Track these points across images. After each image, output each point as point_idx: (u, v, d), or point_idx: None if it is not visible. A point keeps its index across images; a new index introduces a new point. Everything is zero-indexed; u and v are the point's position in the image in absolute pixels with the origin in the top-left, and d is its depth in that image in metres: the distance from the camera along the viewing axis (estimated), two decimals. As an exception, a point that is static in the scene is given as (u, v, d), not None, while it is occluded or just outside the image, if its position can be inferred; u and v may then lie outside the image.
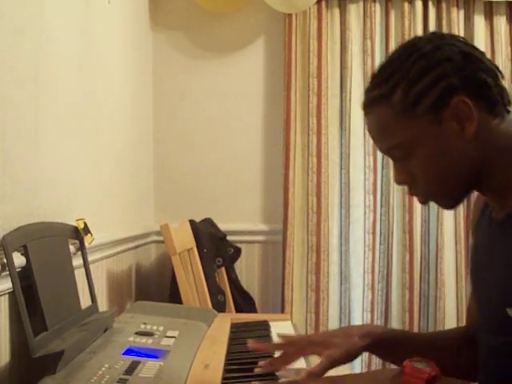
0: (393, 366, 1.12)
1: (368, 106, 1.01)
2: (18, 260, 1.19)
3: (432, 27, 2.85)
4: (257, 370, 1.18)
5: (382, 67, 1.01)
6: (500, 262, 0.95)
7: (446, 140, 0.95)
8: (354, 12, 2.87)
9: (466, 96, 0.93)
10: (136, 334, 1.38)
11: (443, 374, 1.00)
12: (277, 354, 1.22)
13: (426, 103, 0.94)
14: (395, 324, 2.85)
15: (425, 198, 1.01)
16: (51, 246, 1.35)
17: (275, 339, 1.47)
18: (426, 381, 0.90)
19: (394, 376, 0.93)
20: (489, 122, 0.95)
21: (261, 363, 1.19)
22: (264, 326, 1.65)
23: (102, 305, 1.91)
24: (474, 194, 1.06)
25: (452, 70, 0.93)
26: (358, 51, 2.88)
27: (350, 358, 1.14)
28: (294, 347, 1.19)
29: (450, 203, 1.02)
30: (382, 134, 1.00)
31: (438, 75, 0.94)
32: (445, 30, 2.83)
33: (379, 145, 1.02)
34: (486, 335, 1.02)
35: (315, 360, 1.17)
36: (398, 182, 1.03)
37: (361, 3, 2.87)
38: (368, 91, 1.01)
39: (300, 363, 1.22)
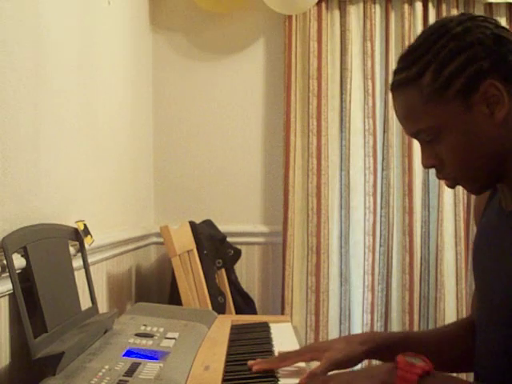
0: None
1: (396, 88, 0.99)
2: (18, 261, 1.19)
3: (432, 29, 2.85)
4: (254, 368, 1.18)
5: (411, 49, 0.99)
6: (508, 253, 0.95)
7: (475, 124, 0.94)
8: (354, 13, 2.88)
9: (497, 80, 0.92)
10: (136, 335, 1.38)
11: (444, 369, 0.99)
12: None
13: (455, 87, 0.93)
14: (395, 325, 2.85)
15: (452, 181, 1.00)
16: (51, 247, 1.35)
17: (275, 342, 1.46)
18: (420, 376, 0.90)
19: (389, 370, 0.92)
20: None
21: (250, 363, 1.20)
22: (264, 328, 1.64)
23: (102, 306, 1.91)
24: None
25: (483, 54, 0.92)
26: (358, 52, 2.88)
27: (350, 362, 1.14)
28: (294, 353, 1.20)
29: (476, 188, 1.01)
30: (409, 118, 0.99)
31: (468, 58, 0.92)
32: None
33: (407, 128, 1.01)
34: (488, 326, 1.02)
35: (315, 362, 1.17)
36: (426, 165, 1.01)
37: (361, 4, 2.87)
38: (396, 73, 0.99)
39: (300, 363, 1.22)
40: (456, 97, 0.94)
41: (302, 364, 1.22)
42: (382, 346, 1.16)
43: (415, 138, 1.01)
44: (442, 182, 2.83)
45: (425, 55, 0.95)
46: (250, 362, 1.20)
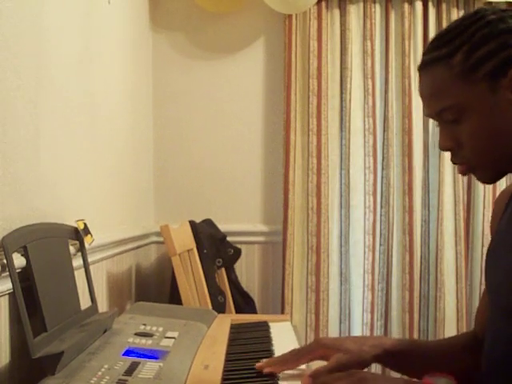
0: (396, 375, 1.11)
1: (425, 66, 1.02)
2: (18, 261, 1.19)
3: (432, 28, 2.85)
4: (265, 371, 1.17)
5: (444, 32, 1.02)
6: None
7: (498, 109, 0.96)
8: (354, 13, 2.88)
9: None
10: (135, 334, 1.38)
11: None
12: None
13: (485, 69, 0.95)
14: (395, 325, 2.85)
15: (467, 167, 1.01)
16: (51, 246, 1.35)
17: (274, 341, 1.46)
18: None
19: None
20: None
21: (258, 365, 1.19)
22: (264, 327, 1.64)
23: (102, 306, 1.91)
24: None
25: None
26: (357, 52, 2.88)
27: (358, 365, 1.13)
28: (305, 351, 1.19)
29: (489, 176, 1.02)
30: (435, 95, 1.00)
31: (500, 44, 0.95)
32: (445, 30, 2.83)
33: (431, 106, 1.02)
34: (495, 325, 1.01)
35: (316, 363, 1.17)
36: (443, 147, 1.03)
37: (361, 4, 2.87)
38: (426, 53, 1.02)
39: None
40: (484, 79, 0.96)
41: (302, 366, 1.22)
42: (390, 352, 1.16)
43: (437, 118, 1.02)
44: (442, 181, 2.83)
45: (458, 37, 0.98)
46: (257, 365, 1.19)
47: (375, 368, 2.82)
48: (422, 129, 2.89)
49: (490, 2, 2.84)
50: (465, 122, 0.98)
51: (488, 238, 2.85)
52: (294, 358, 1.18)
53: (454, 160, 1.03)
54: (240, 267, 2.88)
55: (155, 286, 2.83)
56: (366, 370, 1.12)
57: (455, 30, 0.99)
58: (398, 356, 1.16)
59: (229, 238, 2.79)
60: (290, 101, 2.85)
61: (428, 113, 1.04)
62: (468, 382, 1.16)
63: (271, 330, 1.60)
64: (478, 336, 1.16)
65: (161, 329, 1.45)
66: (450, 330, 2.81)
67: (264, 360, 1.20)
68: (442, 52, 0.99)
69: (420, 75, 1.04)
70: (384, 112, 2.89)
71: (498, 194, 3.16)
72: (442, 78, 0.98)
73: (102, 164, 2.02)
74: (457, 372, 1.15)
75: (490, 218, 3.01)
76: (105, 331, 1.40)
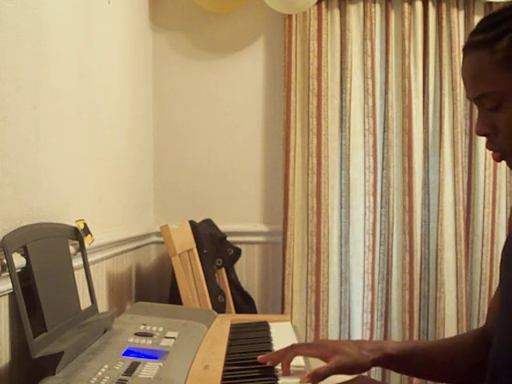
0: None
1: (469, 48, 0.99)
2: (18, 261, 1.19)
3: (432, 28, 2.85)
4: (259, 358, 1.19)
5: (493, 14, 0.99)
6: None
7: None
8: (354, 13, 2.88)
9: None
10: (135, 334, 1.38)
11: (456, 381, 0.97)
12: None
13: None
14: (395, 325, 2.85)
15: (501, 154, 0.99)
16: (51, 246, 1.35)
17: (274, 341, 1.46)
18: None
19: None
20: None
21: (260, 357, 1.20)
22: (264, 327, 1.65)
23: (102, 306, 1.91)
24: None
25: None
26: (357, 52, 2.88)
27: (358, 368, 1.14)
28: (304, 345, 1.20)
29: None
30: (476, 80, 0.98)
31: None
32: (445, 30, 2.83)
33: (471, 91, 1.00)
34: (507, 322, 1.01)
35: (316, 361, 1.17)
36: (479, 132, 1.01)
37: (361, 4, 2.87)
38: (472, 35, 0.99)
39: (299, 362, 1.22)
40: None
41: (301, 363, 1.22)
42: (391, 357, 1.16)
43: (476, 102, 1.00)
44: (442, 182, 2.83)
45: (505, 21, 0.95)
46: (259, 357, 1.21)
47: (375, 370, 2.82)
48: (422, 129, 2.89)
49: (490, 2, 2.84)
50: (504, 109, 0.95)
51: (488, 238, 2.85)
52: (290, 349, 1.19)
53: (488, 146, 1.01)
54: (240, 267, 2.88)
55: (155, 286, 2.83)
56: (365, 373, 1.12)
57: (504, 13, 0.96)
58: (399, 360, 1.16)
59: (229, 238, 2.79)
60: (290, 101, 2.85)
61: (468, 96, 1.02)
62: (475, 381, 1.16)
63: (271, 330, 1.60)
64: (487, 333, 1.16)
65: (161, 329, 1.45)
66: (450, 329, 2.81)
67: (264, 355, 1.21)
68: (487, 36, 0.95)
69: (464, 56, 1.01)
70: (384, 112, 2.89)
71: (497, 194, 3.16)
72: (484, 63, 0.95)
73: (102, 164, 2.02)
74: (463, 371, 1.15)
75: (490, 218, 3.01)
76: (105, 331, 1.40)
